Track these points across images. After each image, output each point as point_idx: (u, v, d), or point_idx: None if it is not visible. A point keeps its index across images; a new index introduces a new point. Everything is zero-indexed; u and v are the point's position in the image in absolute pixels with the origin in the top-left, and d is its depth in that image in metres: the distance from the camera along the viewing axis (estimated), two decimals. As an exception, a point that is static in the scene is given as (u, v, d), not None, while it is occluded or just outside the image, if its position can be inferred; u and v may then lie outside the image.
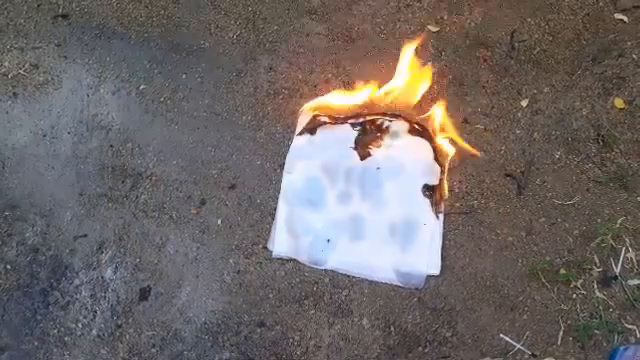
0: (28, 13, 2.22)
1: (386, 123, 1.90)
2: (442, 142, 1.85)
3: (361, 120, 1.91)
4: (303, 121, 1.94)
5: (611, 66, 1.94)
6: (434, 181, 1.81)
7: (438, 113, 1.86)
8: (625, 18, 1.99)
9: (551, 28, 2.01)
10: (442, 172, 1.82)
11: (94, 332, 1.76)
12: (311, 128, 1.91)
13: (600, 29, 1.99)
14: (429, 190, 1.81)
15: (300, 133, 1.91)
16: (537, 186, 1.81)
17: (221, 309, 1.76)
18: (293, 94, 2.00)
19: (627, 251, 1.70)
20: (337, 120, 1.93)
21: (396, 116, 1.90)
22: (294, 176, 1.86)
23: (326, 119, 1.92)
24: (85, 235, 1.87)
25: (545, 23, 2.03)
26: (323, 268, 1.76)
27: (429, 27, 2.05)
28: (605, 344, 1.62)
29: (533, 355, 1.63)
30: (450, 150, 1.83)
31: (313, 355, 1.69)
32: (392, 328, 1.69)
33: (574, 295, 1.67)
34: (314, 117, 1.92)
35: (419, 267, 1.73)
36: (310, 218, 1.81)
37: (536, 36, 2.01)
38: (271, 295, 1.76)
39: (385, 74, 1.98)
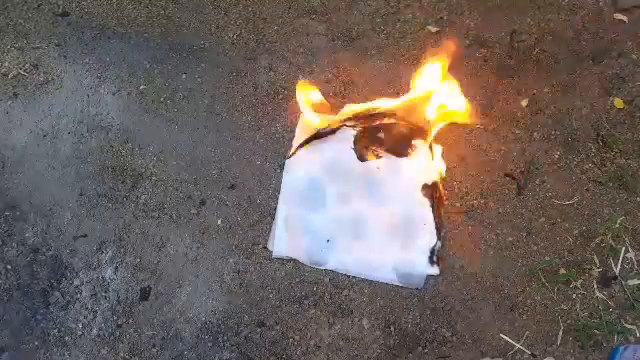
0: (28, 13, 2.22)
1: (385, 123, 1.90)
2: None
3: (360, 121, 1.91)
4: (303, 121, 1.93)
5: (611, 66, 1.94)
6: (433, 181, 1.82)
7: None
8: (625, 18, 1.99)
9: (551, 28, 2.01)
10: (441, 172, 1.83)
11: (94, 332, 1.76)
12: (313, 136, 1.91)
13: (600, 29, 1.99)
14: (429, 190, 1.81)
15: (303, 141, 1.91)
16: (537, 186, 1.81)
17: (221, 309, 1.76)
18: (293, 94, 2.00)
19: (627, 251, 1.70)
20: (337, 122, 1.92)
21: (395, 116, 1.90)
22: (294, 176, 1.87)
23: (327, 128, 1.92)
24: (85, 235, 1.87)
25: (545, 23, 2.03)
26: (323, 268, 1.76)
27: (429, 27, 2.05)
28: (605, 344, 1.62)
29: (533, 355, 1.63)
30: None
31: (313, 355, 1.69)
32: (392, 328, 1.69)
33: (574, 295, 1.68)
34: (319, 131, 1.91)
35: (419, 267, 1.73)
36: (310, 218, 1.81)
37: (536, 36, 2.01)
38: (271, 295, 1.76)
39: (385, 74, 1.98)
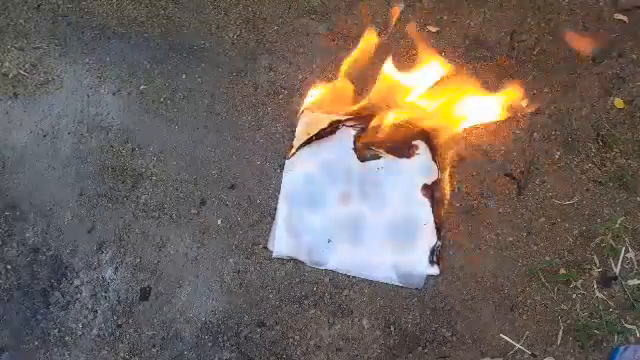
0: (28, 13, 2.22)
1: (385, 123, 1.90)
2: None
3: (361, 121, 1.91)
4: (303, 122, 1.94)
5: (611, 66, 1.93)
6: (433, 181, 1.82)
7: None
8: (625, 18, 1.99)
9: (551, 28, 2.01)
10: (441, 172, 1.83)
11: (94, 332, 1.77)
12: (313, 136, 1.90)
13: (600, 29, 1.99)
14: (429, 190, 1.81)
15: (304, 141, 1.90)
16: (537, 186, 1.81)
17: (221, 309, 1.76)
18: (293, 94, 2.00)
19: (627, 251, 1.70)
20: (337, 123, 1.92)
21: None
22: (294, 176, 1.87)
23: (327, 128, 1.91)
24: (90, 231, 1.87)
25: (545, 23, 2.02)
26: (323, 268, 1.76)
27: (429, 27, 2.05)
28: (605, 344, 1.62)
29: (533, 355, 1.63)
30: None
31: (313, 355, 1.69)
32: (392, 328, 1.69)
33: (574, 295, 1.68)
34: (319, 131, 1.90)
35: (419, 267, 1.73)
36: (310, 218, 1.81)
37: (536, 36, 2.00)
38: (271, 295, 1.76)
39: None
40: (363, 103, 1.92)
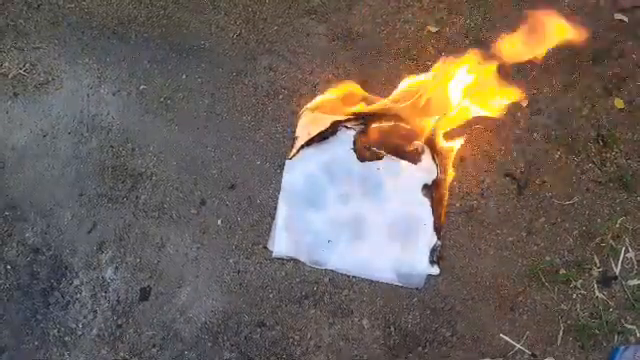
0: (28, 13, 2.22)
1: (385, 124, 1.90)
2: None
3: (361, 121, 1.91)
4: (303, 122, 1.93)
5: (611, 66, 1.93)
6: (433, 180, 1.82)
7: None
8: (625, 18, 1.99)
9: (551, 28, 2.01)
10: (441, 172, 1.83)
11: (94, 332, 1.77)
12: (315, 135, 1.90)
13: (600, 29, 1.99)
14: (429, 190, 1.81)
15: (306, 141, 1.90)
16: (537, 186, 1.81)
17: (221, 309, 1.76)
18: (293, 94, 2.00)
19: (627, 251, 1.70)
20: (338, 123, 1.92)
21: (395, 117, 1.90)
22: (294, 176, 1.87)
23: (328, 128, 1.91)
24: (90, 231, 1.87)
25: (545, 23, 2.03)
26: (323, 268, 1.76)
27: (429, 27, 2.05)
28: (605, 344, 1.62)
29: (533, 355, 1.63)
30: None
31: (313, 355, 1.69)
32: (392, 328, 1.69)
33: (574, 295, 1.68)
34: (320, 132, 1.90)
35: (419, 267, 1.73)
36: (310, 218, 1.82)
37: (536, 36, 2.01)
38: (271, 295, 1.76)
39: (385, 74, 1.98)
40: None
